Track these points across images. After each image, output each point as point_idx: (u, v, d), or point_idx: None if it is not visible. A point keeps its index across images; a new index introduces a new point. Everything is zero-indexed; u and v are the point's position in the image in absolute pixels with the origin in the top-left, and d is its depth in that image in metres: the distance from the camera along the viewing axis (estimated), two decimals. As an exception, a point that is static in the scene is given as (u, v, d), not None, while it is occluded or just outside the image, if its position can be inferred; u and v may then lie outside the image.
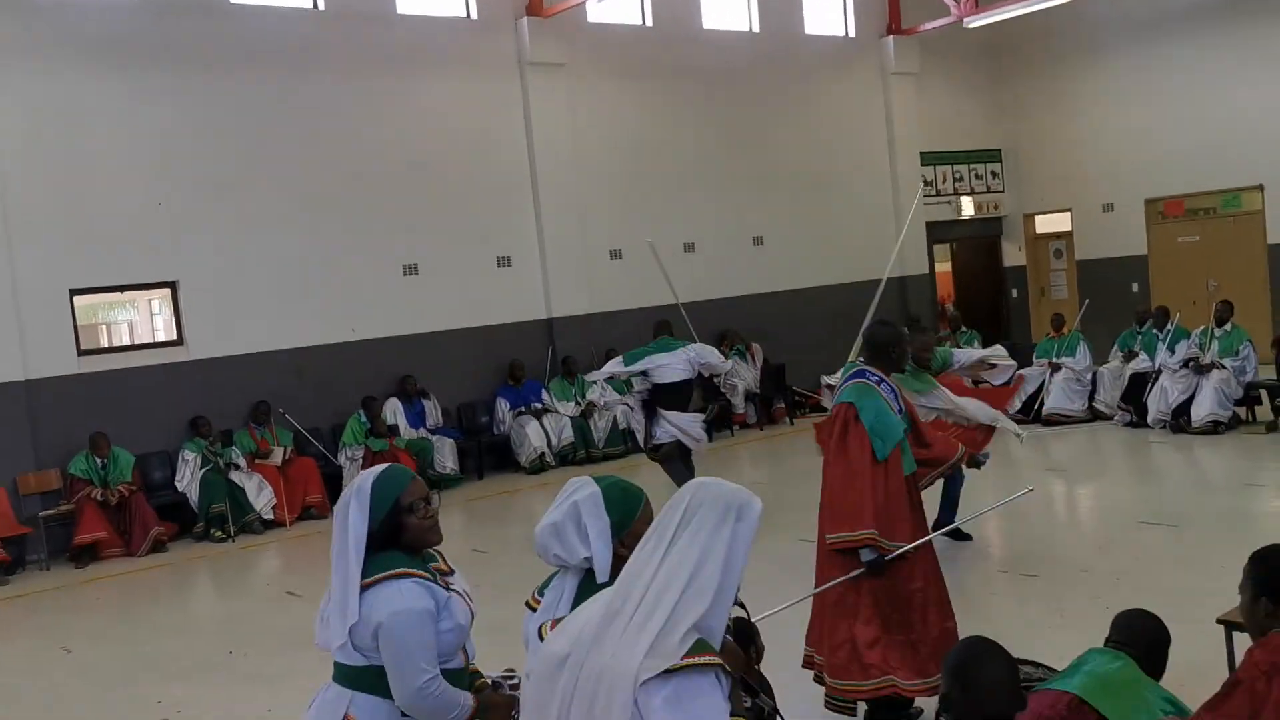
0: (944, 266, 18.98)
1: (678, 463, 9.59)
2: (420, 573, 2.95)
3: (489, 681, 3.21)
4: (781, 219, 15.58)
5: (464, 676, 3.07)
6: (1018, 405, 12.76)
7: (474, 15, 13.22)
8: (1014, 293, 18.77)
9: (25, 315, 10.37)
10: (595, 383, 12.65)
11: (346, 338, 12.18)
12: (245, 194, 11.55)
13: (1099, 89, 16.90)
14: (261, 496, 10.70)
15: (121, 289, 11.87)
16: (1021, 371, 13.06)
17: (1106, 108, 16.80)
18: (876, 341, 5.25)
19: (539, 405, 12.98)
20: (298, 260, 11.85)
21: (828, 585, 4.78)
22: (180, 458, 10.81)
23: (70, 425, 10.43)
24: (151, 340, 12.34)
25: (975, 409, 7.40)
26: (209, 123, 11.38)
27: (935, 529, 5.94)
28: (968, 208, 18.02)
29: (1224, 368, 11.47)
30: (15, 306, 10.29)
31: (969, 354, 8.27)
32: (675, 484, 9.70)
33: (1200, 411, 11.38)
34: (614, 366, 10.06)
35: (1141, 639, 3.61)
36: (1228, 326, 11.77)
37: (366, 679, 2.93)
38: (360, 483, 2.99)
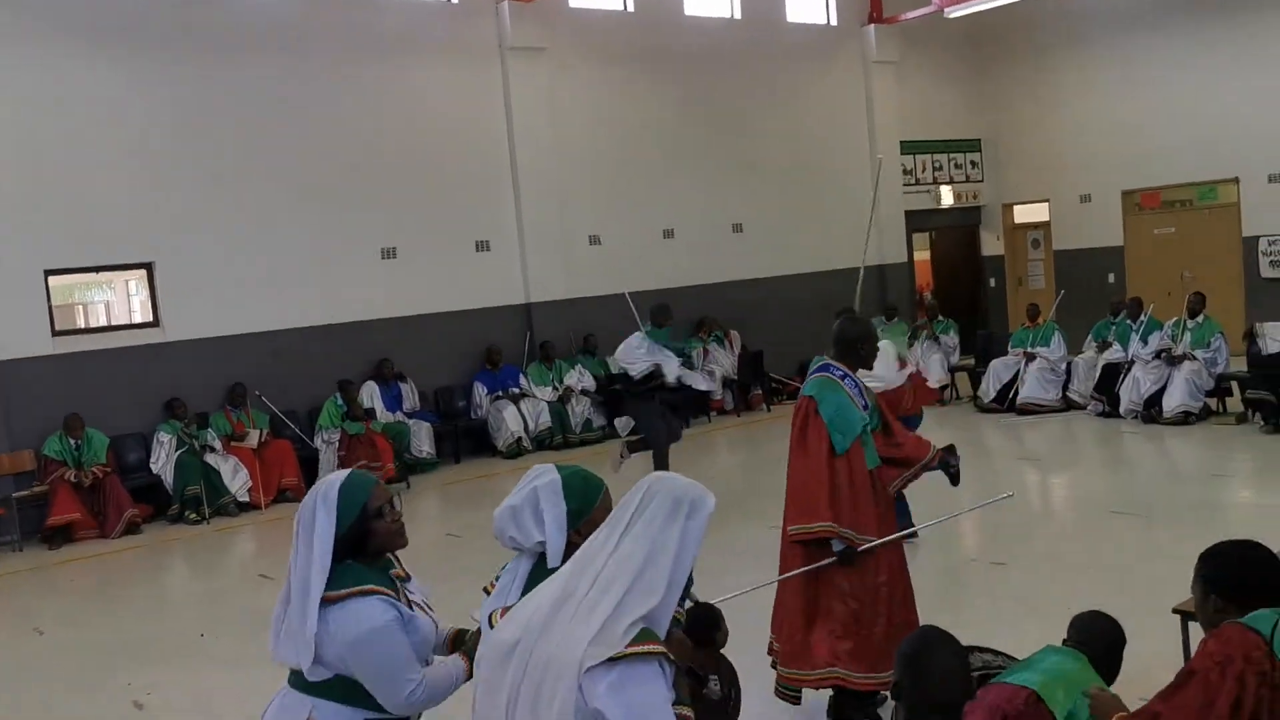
0: (923, 255, 19.07)
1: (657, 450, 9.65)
2: (385, 590, 2.91)
3: (459, 631, 3.21)
4: (761, 206, 15.60)
5: None
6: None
7: (455, 0, 13.20)
8: (992, 282, 18.86)
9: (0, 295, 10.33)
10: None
11: (323, 320, 12.15)
12: (223, 177, 11.48)
13: (1078, 80, 16.97)
14: (237, 479, 10.69)
15: (97, 270, 11.80)
16: (994, 365, 13.23)
17: (1085, 99, 16.88)
18: (845, 337, 5.27)
19: (516, 390, 13.00)
20: (275, 243, 11.80)
21: (793, 573, 4.82)
22: (155, 439, 10.78)
23: (44, 406, 10.39)
24: (130, 321, 12.27)
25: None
26: (188, 106, 11.32)
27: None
28: (947, 197, 18.09)
29: (1195, 359, 11.59)
30: (-11, 286, 10.24)
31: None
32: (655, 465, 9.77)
33: (1171, 402, 11.50)
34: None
35: (1099, 640, 3.67)
36: (1200, 318, 11.89)
37: (330, 688, 2.88)
38: (326, 489, 2.93)
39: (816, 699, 5.03)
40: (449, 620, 3.24)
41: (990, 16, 16.35)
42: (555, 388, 13.21)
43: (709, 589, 5.07)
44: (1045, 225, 18.13)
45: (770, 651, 5.12)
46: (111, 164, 10.88)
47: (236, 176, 11.57)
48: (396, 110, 12.66)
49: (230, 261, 11.50)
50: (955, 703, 2.59)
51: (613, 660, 2.12)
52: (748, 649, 4.87)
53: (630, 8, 14.60)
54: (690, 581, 2.52)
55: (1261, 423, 10.77)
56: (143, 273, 11.45)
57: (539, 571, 2.72)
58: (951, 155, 18.17)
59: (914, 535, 7.30)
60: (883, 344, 7.90)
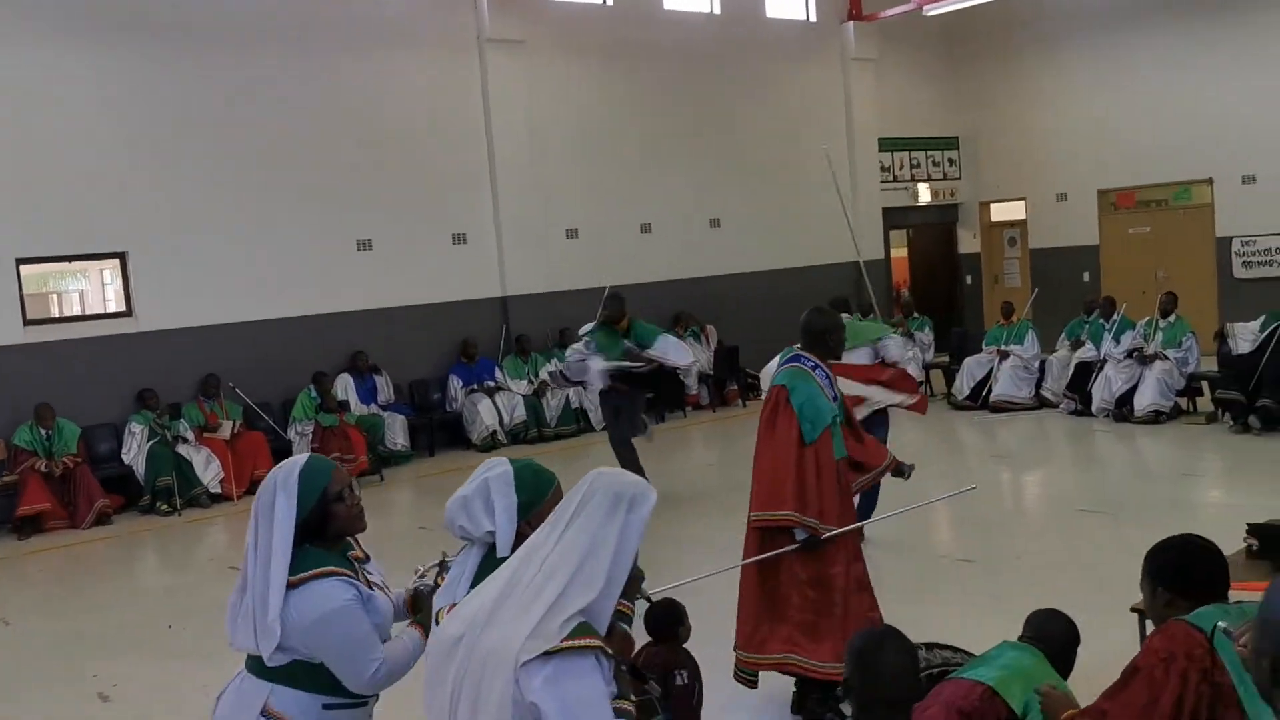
0: (900, 252, 19.13)
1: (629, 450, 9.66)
2: (345, 571, 2.93)
3: (415, 590, 3.22)
4: (739, 202, 15.63)
5: None
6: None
7: (434, -11, 13.15)
8: (968, 279, 18.96)
9: (-31, 283, 10.25)
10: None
11: (298, 312, 12.11)
12: (197, 167, 11.41)
13: (1055, 80, 17.07)
14: (209, 470, 10.65)
15: (69, 259, 11.71)
16: (968, 362, 13.30)
17: (1062, 99, 16.98)
18: (814, 328, 5.33)
19: (492, 383, 12.98)
20: (250, 233, 11.75)
21: (751, 560, 4.86)
22: (127, 430, 10.72)
23: (15, 396, 10.31)
24: (103, 311, 12.19)
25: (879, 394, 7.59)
26: (163, 96, 11.24)
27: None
28: (924, 194, 18.16)
29: (1167, 358, 11.69)
30: (-42, 274, 10.16)
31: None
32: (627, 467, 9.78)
33: (1143, 401, 11.60)
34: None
35: (1054, 638, 3.72)
36: (1171, 318, 12.00)
37: (288, 673, 2.89)
38: (285, 474, 2.94)
39: (780, 691, 5.07)
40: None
41: (968, 15, 16.43)
42: (531, 381, 13.21)
43: (714, 587, 5.12)
44: (1022, 223, 18.24)
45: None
46: (85, 153, 10.80)
47: (211, 167, 11.50)
48: (373, 101, 12.61)
49: (204, 252, 11.44)
50: (904, 699, 2.62)
51: (549, 654, 2.14)
52: (713, 640, 4.90)
53: (609, 1, 14.58)
54: (639, 575, 2.54)
55: (1231, 422, 10.87)
56: (116, 262, 11.37)
57: (489, 563, 2.74)
58: (929, 153, 18.24)
59: (860, 527, 7.35)
60: (895, 336, 8.04)
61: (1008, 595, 6.42)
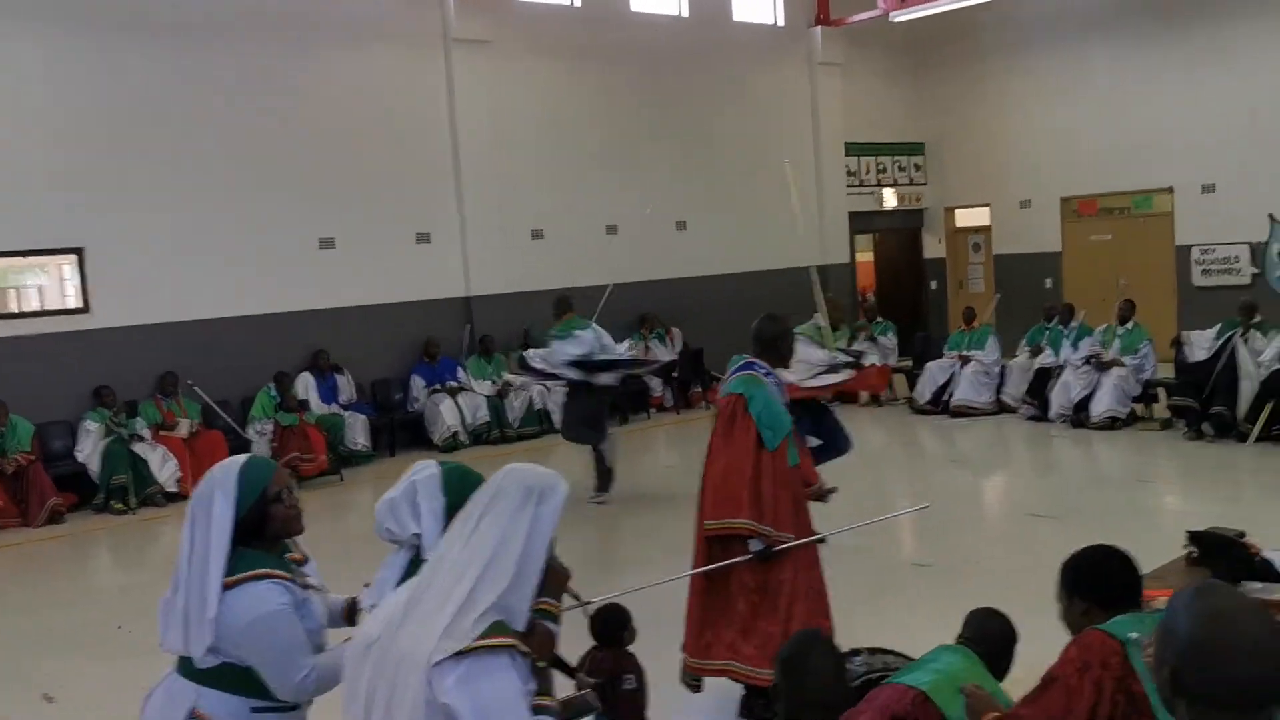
0: (866, 256, 19.24)
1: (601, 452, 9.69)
2: (281, 574, 2.91)
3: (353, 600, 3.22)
4: (705, 204, 15.66)
5: None
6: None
7: (399, -12, 13.10)
8: (933, 284, 19.08)
9: (-79, 278, 10.11)
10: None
11: (259, 310, 12.02)
12: (157, 162, 11.31)
13: (1020, 88, 17.22)
14: (165, 469, 10.55)
15: (24, 254, 11.55)
16: (930, 367, 13.41)
17: (1026, 106, 17.13)
18: (765, 335, 5.37)
19: (454, 383, 12.94)
20: (211, 230, 11.65)
21: (708, 569, 4.86)
22: (82, 428, 10.60)
23: (-33, 392, 10.18)
24: (62, 307, 12.04)
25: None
26: (121, 88, 11.13)
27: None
28: (890, 199, 18.27)
29: (1124, 365, 11.81)
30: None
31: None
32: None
33: (1099, 407, 11.72)
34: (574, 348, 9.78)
35: (992, 638, 3.74)
36: (1129, 325, 12.12)
37: (218, 675, 2.87)
38: (223, 474, 2.92)
39: (728, 695, 5.08)
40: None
41: (934, 22, 16.53)
42: (494, 382, 13.17)
43: (666, 591, 5.12)
44: (986, 229, 18.38)
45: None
46: (41, 148, 10.67)
47: (171, 162, 11.39)
48: (337, 98, 12.54)
49: (164, 248, 11.34)
50: (831, 704, 2.63)
51: (461, 654, 2.13)
52: (660, 644, 4.91)
53: (577, 3, 14.57)
54: (566, 573, 2.54)
55: (1185, 429, 11.00)
56: (73, 258, 11.25)
57: (415, 565, 2.74)
58: (895, 158, 18.35)
59: (822, 540, 7.38)
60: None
61: (961, 599, 6.39)
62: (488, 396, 12.89)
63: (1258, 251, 14.99)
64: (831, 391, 8.07)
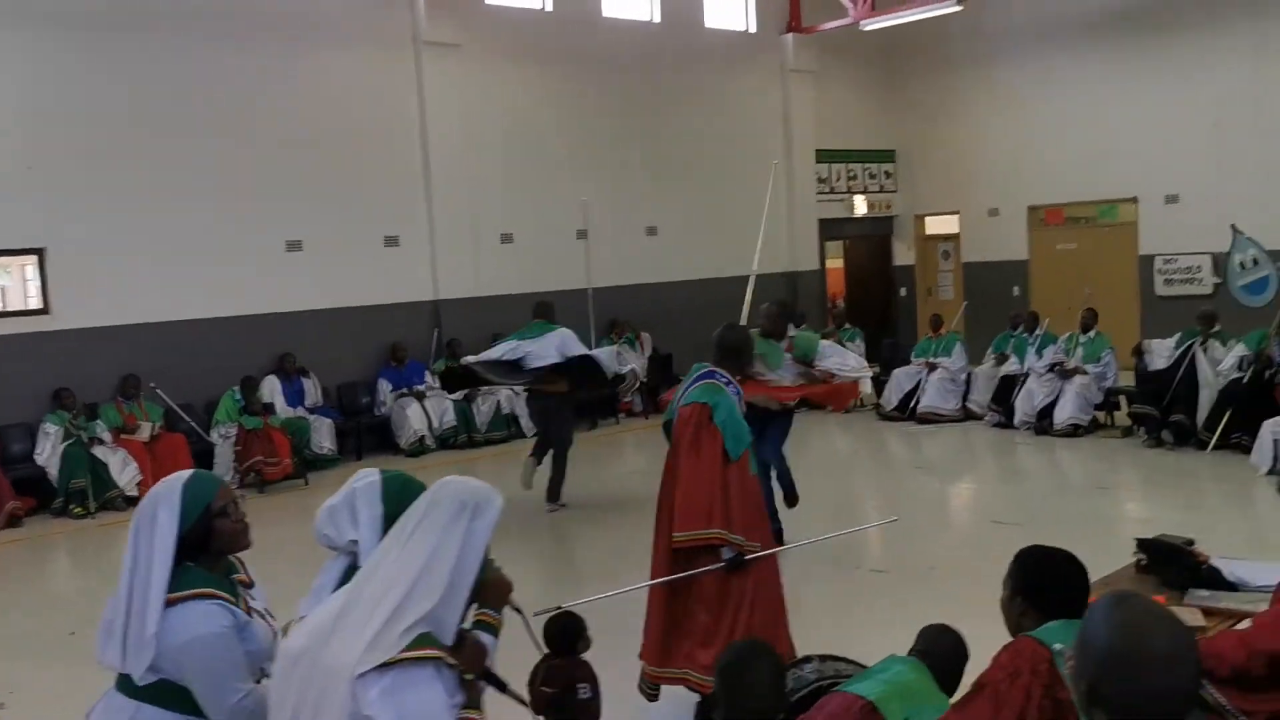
0: (836, 263, 19.32)
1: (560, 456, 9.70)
2: (223, 595, 2.89)
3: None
4: (676, 210, 15.68)
5: None
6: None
7: (369, -10, 13.05)
8: (903, 291, 19.19)
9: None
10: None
11: (225, 312, 11.94)
12: (121, 162, 11.21)
13: (989, 97, 17.35)
14: (126, 473, 10.45)
15: (-15, 254, 11.46)
16: (897, 374, 13.48)
17: (995, 116, 17.26)
18: (726, 344, 5.40)
19: (421, 387, 12.89)
20: (175, 232, 11.55)
21: (674, 578, 4.85)
22: (41, 430, 10.48)
23: (-76, 393, 10.06)
24: (24, 308, 11.92)
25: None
26: (87, 88, 11.03)
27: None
28: (860, 206, 18.35)
29: (1086, 373, 11.92)
30: None
31: (829, 357, 8.21)
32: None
33: (1062, 415, 11.82)
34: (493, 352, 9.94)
35: (943, 654, 3.76)
36: (1092, 333, 12.24)
37: (155, 693, 2.85)
38: (167, 489, 2.91)
39: (684, 703, 5.09)
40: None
41: (905, 32, 16.65)
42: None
43: (625, 598, 5.12)
44: (955, 237, 18.50)
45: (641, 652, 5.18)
46: (3, 147, 10.56)
47: (135, 163, 11.30)
48: (306, 100, 12.48)
49: (127, 250, 11.23)
50: (767, 714, 2.64)
51: (386, 665, 2.12)
52: (615, 653, 4.91)
53: (548, 7, 14.56)
54: (507, 585, 2.53)
55: (1145, 436, 11.11)
56: (34, 258, 11.13)
57: (352, 573, 2.72)
58: (866, 165, 18.44)
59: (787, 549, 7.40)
60: (827, 343, 8.13)
61: (917, 606, 6.48)
62: (455, 401, 12.84)
63: (1220, 262, 15.16)
64: (797, 396, 8.09)
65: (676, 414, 5.12)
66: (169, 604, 2.78)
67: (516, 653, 3.58)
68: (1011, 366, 12.77)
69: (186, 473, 3.00)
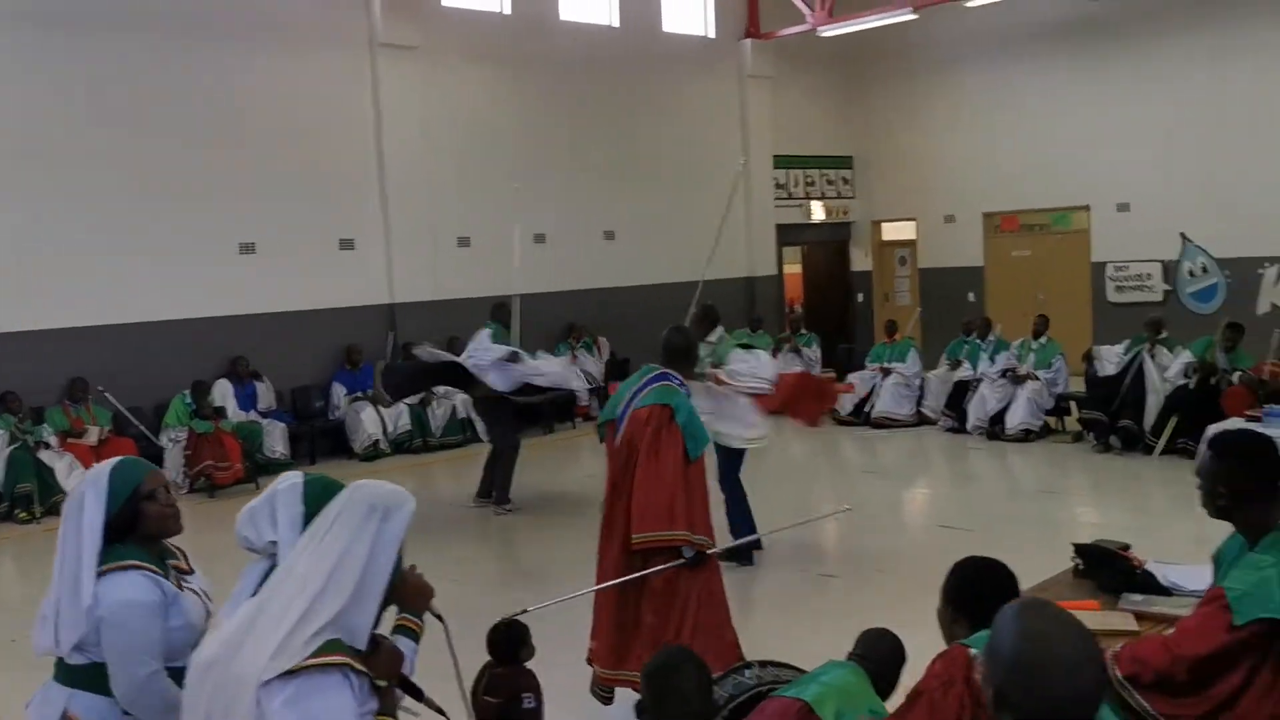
0: (794, 268, 19.42)
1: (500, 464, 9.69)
2: (149, 566, 2.92)
3: None
4: (634, 214, 15.70)
5: None
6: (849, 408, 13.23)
7: (324, -9, 12.96)
8: (860, 297, 19.32)
9: None
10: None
11: (176, 315, 11.80)
12: (69, 162, 11.06)
13: (945, 105, 17.52)
14: (72, 477, 10.27)
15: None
16: (852, 379, 13.57)
17: (951, 123, 17.44)
18: (675, 347, 5.44)
19: (386, 382, 12.76)
20: (125, 233, 11.41)
21: (633, 577, 4.85)
22: (-14, 434, 10.33)
23: None
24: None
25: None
26: (33, 85, 10.87)
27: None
28: (818, 212, 18.47)
29: (1038, 379, 12.05)
30: None
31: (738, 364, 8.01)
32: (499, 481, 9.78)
33: (1014, 420, 11.95)
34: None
35: (881, 658, 3.80)
36: (1043, 339, 12.38)
37: (88, 676, 2.89)
38: (95, 473, 2.98)
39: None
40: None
41: (862, 39, 16.78)
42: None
43: (573, 602, 5.11)
44: (912, 243, 18.66)
45: (590, 655, 5.18)
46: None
47: (84, 162, 11.15)
48: (260, 101, 12.37)
49: (75, 251, 11.07)
50: (695, 719, 2.65)
51: (291, 673, 2.10)
52: (560, 659, 4.91)
53: (506, 10, 14.54)
54: (428, 591, 2.52)
55: (1094, 441, 11.25)
56: (-21, 260, 10.96)
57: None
58: (824, 171, 18.56)
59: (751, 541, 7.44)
60: (756, 352, 8.06)
61: (864, 610, 6.53)
62: (410, 405, 12.77)
63: (1170, 269, 15.40)
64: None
65: (628, 416, 5.12)
66: (99, 576, 2.84)
67: (464, 658, 3.75)
68: (965, 372, 12.89)
69: (118, 459, 3.06)
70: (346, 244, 13.14)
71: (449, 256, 13.83)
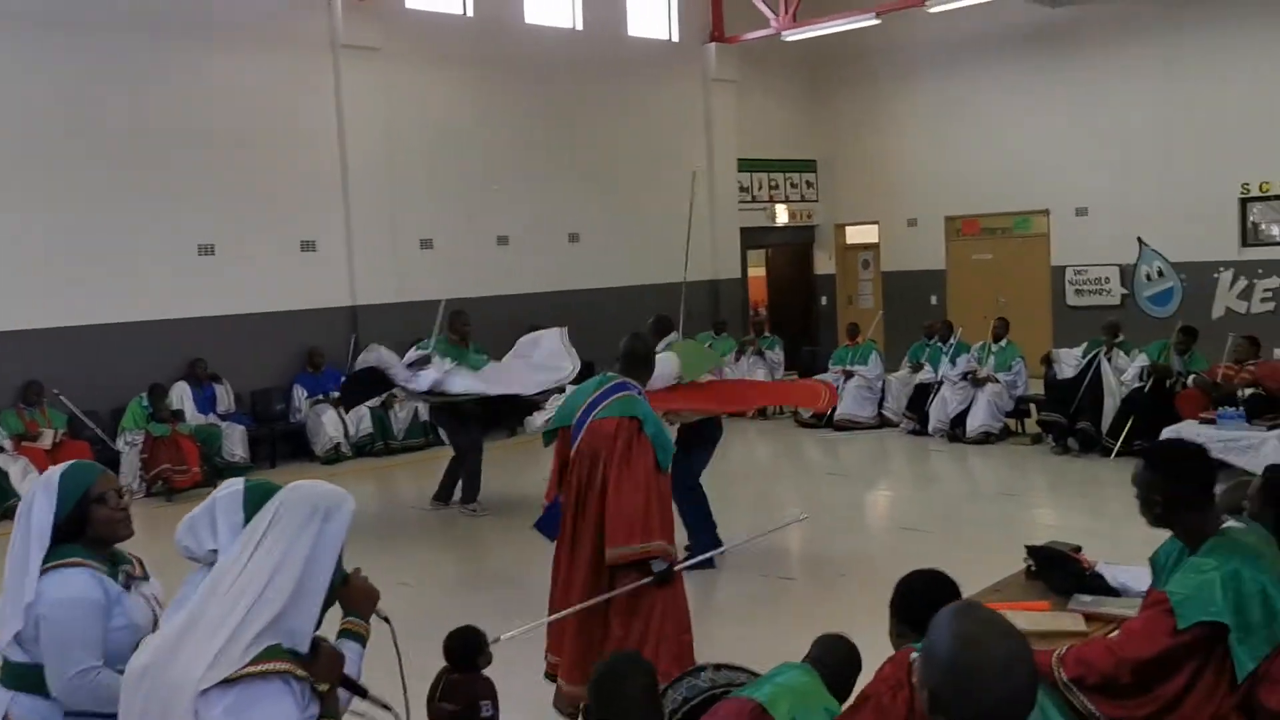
0: (759, 272, 19.49)
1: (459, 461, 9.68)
2: (91, 564, 2.93)
3: None
4: (598, 217, 15.70)
5: None
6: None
7: (285, -9, 12.87)
8: (824, 300, 19.41)
9: None
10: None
11: (133, 317, 11.67)
12: (22, 160, 10.90)
13: (907, 110, 17.65)
14: (27, 481, 10.11)
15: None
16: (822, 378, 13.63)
17: (913, 127, 17.57)
18: (636, 354, 5.43)
19: (338, 394, 12.70)
20: (83, 234, 11.27)
21: (616, 593, 4.83)
22: (-62, 438, 10.17)
23: None
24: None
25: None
26: (-14, 83, 10.74)
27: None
28: (782, 215, 18.54)
29: (998, 381, 12.16)
30: None
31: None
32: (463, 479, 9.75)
33: (974, 422, 12.05)
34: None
35: (837, 662, 3.82)
36: (1003, 342, 12.50)
37: (29, 678, 2.88)
38: (47, 476, 3.02)
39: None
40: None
41: (826, 43, 16.87)
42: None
43: (534, 609, 5.10)
44: (875, 247, 18.77)
45: (550, 670, 5.16)
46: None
47: (39, 161, 11.00)
48: (221, 102, 12.24)
49: (29, 251, 10.93)
50: (642, 726, 2.65)
51: (230, 681, 2.08)
52: (515, 666, 4.89)
53: (470, 12, 14.50)
54: (374, 594, 2.50)
55: (1053, 443, 11.37)
56: (-68, 260, 10.80)
57: None
58: (788, 175, 18.63)
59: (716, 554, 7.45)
60: (665, 354, 8.06)
61: (824, 614, 6.54)
62: (371, 408, 12.69)
63: (1127, 273, 15.59)
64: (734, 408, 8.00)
65: (587, 426, 5.10)
66: (43, 573, 2.87)
67: (425, 662, 3.67)
68: (926, 375, 12.99)
69: (70, 462, 3.10)
70: (308, 245, 13.04)
71: (412, 258, 13.77)
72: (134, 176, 11.61)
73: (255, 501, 2.74)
